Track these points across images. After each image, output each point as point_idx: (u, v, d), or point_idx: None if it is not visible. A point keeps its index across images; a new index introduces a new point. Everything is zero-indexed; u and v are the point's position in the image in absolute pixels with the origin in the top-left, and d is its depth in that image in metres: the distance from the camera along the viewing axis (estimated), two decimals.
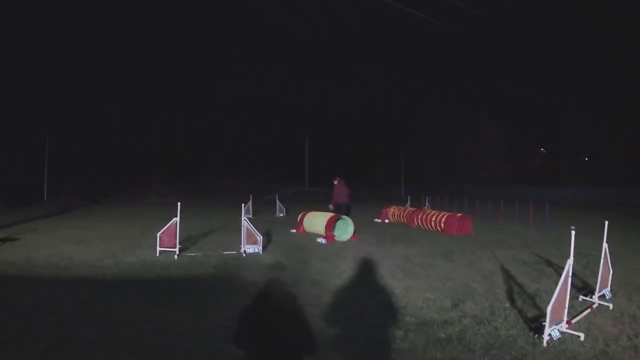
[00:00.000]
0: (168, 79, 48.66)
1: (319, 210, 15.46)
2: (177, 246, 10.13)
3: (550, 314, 4.72)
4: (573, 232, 5.29)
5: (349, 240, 12.62)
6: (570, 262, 5.11)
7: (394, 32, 43.19)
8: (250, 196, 22.62)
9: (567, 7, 39.26)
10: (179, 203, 10.36)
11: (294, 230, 14.68)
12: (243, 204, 12.10)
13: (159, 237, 10.13)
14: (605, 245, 6.39)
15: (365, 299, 6.47)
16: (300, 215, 15.14)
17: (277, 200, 23.15)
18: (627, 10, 36.36)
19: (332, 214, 13.47)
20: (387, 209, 18.81)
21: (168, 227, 10.21)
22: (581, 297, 6.49)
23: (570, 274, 5.09)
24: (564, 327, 5.05)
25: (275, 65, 52.58)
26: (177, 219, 10.22)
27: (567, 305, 5.16)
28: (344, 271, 8.43)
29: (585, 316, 5.71)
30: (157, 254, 10.01)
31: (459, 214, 14.84)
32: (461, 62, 49.35)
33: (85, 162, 41.93)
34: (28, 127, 35.78)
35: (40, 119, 36.81)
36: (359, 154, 56.03)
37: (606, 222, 6.34)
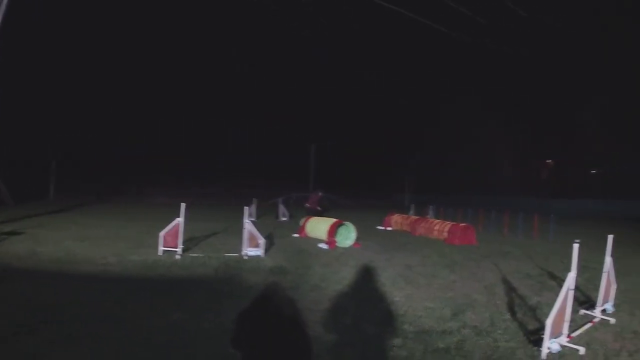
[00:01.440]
0: (176, 80, 48.92)
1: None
2: (180, 246, 10.14)
3: (550, 326, 4.68)
4: (576, 246, 5.25)
5: (351, 247, 12.58)
6: (572, 275, 5.08)
7: (402, 35, 43.30)
8: (254, 199, 22.58)
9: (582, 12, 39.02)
10: (183, 204, 10.38)
11: (297, 235, 14.65)
12: (246, 207, 12.09)
13: (162, 236, 10.16)
14: (608, 259, 6.34)
15: (365, 306, 6.44)
16: (303, 220, 15.13)
17: (281, 204, 23.12)
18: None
19: (335, 220, 13.44)
20: (391, 217, 18.76)
21: (172, 227, 10.24)
22: (583, 311, 6.44)
23: (572, 287, 5.06)
24: (564, 340, 5.00)
25: (281, 65, 52.84)
26: (181, 219, 10.24)
27: (568, 319, 5.11)
28: (344, 277, 8.40)
29: (586, 330, 5.67)
30: (160, 254, 10.03)
31: (462, 224, 14.76)
32: (470, 71, 49.29)
33: (93, 160, 42.07)
34: (37, 122, 35.89)
35: (49, 114, 36.93)
36: (365, 161, 56.00)
37: (610, 236, 6.29)
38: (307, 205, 20.31)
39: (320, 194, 20.60)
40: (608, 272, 6.36)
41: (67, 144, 35.66)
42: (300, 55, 51.46)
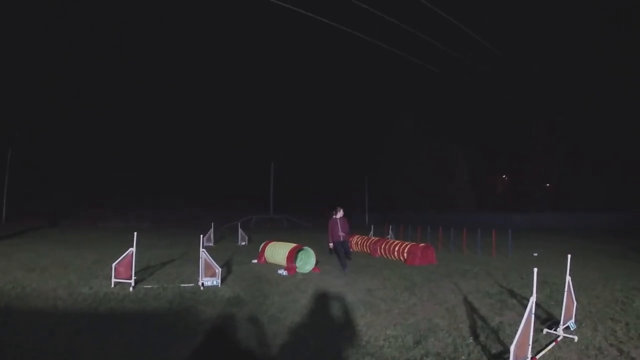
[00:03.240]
0: (134, 101, 48.40)
1: (282, 239, 15.27)
2: (133, 277, 9.72)
3: (514, 351, 4.56)
4: (535, 270, 5.18)
5: (311, 272, 12.33)
6: (533, 299, 4.98)
7: (356, 60, 44.07)
8: (212, 224, 22.20)
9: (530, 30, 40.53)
10: (135, 233, 10.02)
11: (255, 261, 14.32)
12: (202, 236, 11.75)
13: (115, 267, 9.73)
14: (568, 278, 6.30)
15: (326, 337, 6.22)
16: (262, 245, 14.82)
17: (240, 228, 22.76)
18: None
19: (294, 245, 13.20)
20: (351, 238, 18.61)
21: (124, 257, 9.82)
22: (545, 330, 6.38)
23: (533, 310, 4.95)
24: None
25: (243, 88, 52.97)
26: (134, 249, 9.84)
27: (531, 342, 5.01)
28: (304, 306, 8.16)
29: (550, 350, 5.59)
30: (112, 285, 9.60)
31: (422, 244, 14.72)
32: (425, 90, 50.38)
33: (46, 182, 40.90)
34: None
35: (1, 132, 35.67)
36: (324, 181, 56.22)
37: (569, 256, 6.27)
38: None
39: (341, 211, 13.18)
40: (569, 290, 6.33)
41: (19, 165, 34.31)
42: (256, 76, 51.80)
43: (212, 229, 21.42)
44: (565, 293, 6.27)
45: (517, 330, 4.71)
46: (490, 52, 39.99)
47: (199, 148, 52.56)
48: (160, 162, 50.49)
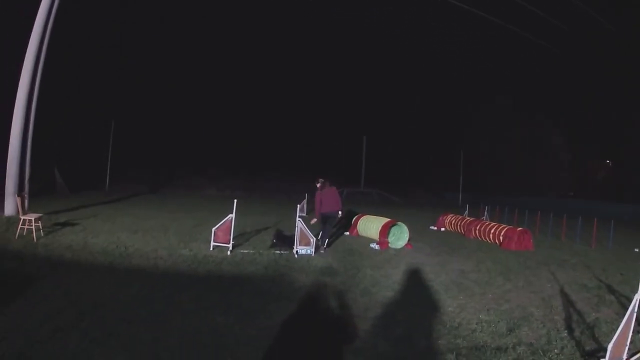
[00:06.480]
0: (226, 76, 49.56)
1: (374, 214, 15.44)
2: (231, 242, 10.34)
3: (611, 350, 4.53)
4: None
5: (403, 248, 12.48)
6: (637, 297, 4.86)
7: (454, 32, 42.56)
8: (305, 195, 22.68)
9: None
10: (235, 200, 10.55)
11: (347, 233, 14.64)
12: (298, 205, 12.15)
13: (214, 232, 10.38)
14: None
15: (417, 315, 6.40)
16: (355, 218, 15.09)
17: None
18: None
19: (387, 219, 13.36)
20: (444, 217, 18.48)
21: (223, 222, 10.44)
22: None
23: (636, 309, 4.86)
24: None
25: (338, 63, 52.61)
26: (233, 215, 10.42)
27: (628, 343, 4.93)
28: (395, 281, 8.37)
29: None
30: (211, 249, 10.31)
31: (519, 228, 14.36)
32: (523, 69, 47.87)
33: (148, 150, 43.03)
34: (93, 111, 36.92)
35: (106, 103, 37.90)
36: (417, 157, 55.43)
37: None
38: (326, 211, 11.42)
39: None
40: None
41: (122, 130, 36.38)
42: (349, 47, 51.27)
43: (306, 199, 21.92)
44: None
45: (613, 328, 4.66)
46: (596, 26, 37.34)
47: (291, 122, 53.08)
48: (253, 135, 51.59)
